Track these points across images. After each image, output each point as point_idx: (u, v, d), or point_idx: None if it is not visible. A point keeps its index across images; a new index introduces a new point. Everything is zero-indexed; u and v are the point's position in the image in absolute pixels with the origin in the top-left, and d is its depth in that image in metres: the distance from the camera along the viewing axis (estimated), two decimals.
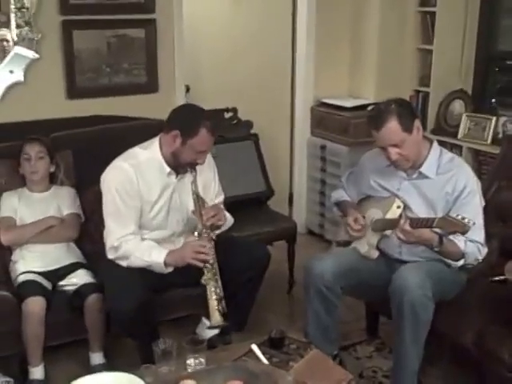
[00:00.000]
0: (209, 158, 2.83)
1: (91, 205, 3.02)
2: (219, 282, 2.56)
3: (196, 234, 2.65)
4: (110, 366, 2.69)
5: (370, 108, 2.63)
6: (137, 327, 2.60)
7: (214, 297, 2.52)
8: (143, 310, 2.50)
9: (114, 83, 3.67)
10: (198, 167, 2.69)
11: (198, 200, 2.66)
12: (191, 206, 2.70)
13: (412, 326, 2.41)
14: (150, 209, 2.70)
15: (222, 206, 2.86)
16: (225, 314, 2.53)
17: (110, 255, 2.66)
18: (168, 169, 2.69)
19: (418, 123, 2.52)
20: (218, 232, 2.72)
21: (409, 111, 2.53)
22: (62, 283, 2.83)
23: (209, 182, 2.86)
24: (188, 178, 2.71)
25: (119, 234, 2.64)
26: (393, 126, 2.45)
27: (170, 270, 2.65)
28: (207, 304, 2.52)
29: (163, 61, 3.79)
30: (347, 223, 2.72)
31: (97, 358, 2.79)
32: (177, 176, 2.72)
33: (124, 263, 2.64)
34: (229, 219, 2.86)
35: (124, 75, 3.70)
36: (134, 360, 2.57)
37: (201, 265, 2.56)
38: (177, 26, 3.81)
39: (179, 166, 2.68)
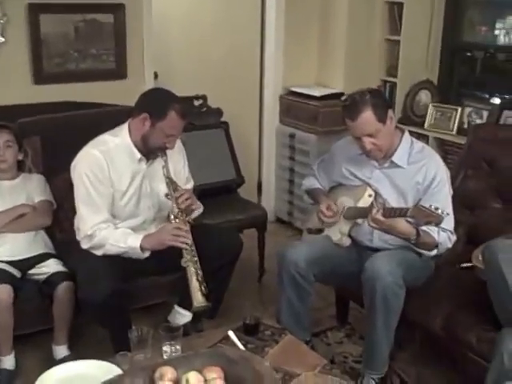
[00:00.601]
0: (178, 144, 2.81)
1: (61, 192, 2.98)
2: (198, 264, 2.56)
3: (172, 216, 2.64)
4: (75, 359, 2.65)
5: (343, 98, 2.64)
6: (108, 316, 2.58)
7: (195, 277, 2.52)
8: (114, 298, 2.48)
9: (82, 69, 3.62)
10: (168, 152, 2.67)
11: (171, 183, 2.65)
12: (162, 191, 2.70)
13: (383, 313, 2.45)
14: (121, 196, 2.68)
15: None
16: (207, 294, 2.53)
17: (85, 244, 2.63)
18: (138, 154, 2.66)
19: (391, 113, 2.56)
20: (193, 216, 2.72)
21: (383, 102, 2.57)
22: (31, 272, 2.78)
23: (179, 168, 2.84)
24: (158, 163, 2.70)
25: (92, 221, 2.61)
26: (368, 117, 2.48)
27: (147, 254, 2.64)
28: (188, 286, 2.52)
29: (132, 47, 3.75)
30: (320, 210, 2.74)
31: (61, 350, 2.76)
32: (147, 162, 2.70)
33: (99, 252, 2.62)
34: (199, 206, 2.85)
35: (92, 61, 3.65)
36: (98, 352, 2.52)
37: (182, 246, 2.55)
38: (146, 11, 3.77)
39: (149, 150, 2.66)
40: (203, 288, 2.53)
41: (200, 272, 2.55)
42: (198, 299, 2.51)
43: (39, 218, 2.91)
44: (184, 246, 2.56)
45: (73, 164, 2.66)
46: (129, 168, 2.67)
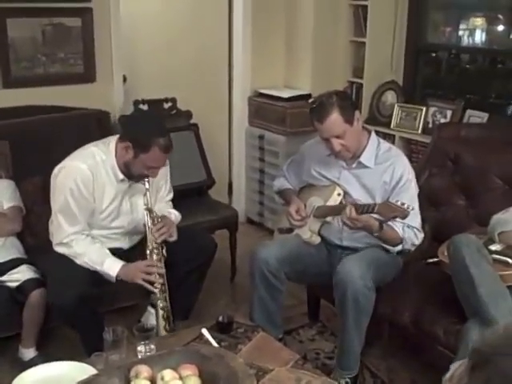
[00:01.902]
0: (165, 171, 2.82)
1: (31, 196, 2.99)
2: (168, 302, 2.63)
3: (148, 252, 2.64)
4: (45, 360, 2.65)
5: (311, 101, 2.69)
6: (79, 319, 2.59)
7: (161, 314, 2.61)
8: (84, 302, 2.50)
9: (50, 73, 3.61)
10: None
11: (150, 213, 2.64)
12: (141, 206, 2.68)
13: (355, 314, 2.51)
14: (101, 212, 2.68)
15: (172, 217, 2.85)
16: (170, 329, 2.63)
17: (59, 250, 2.64)
18: (121, 176, 2.64)
19: (357, 114, 2.61)
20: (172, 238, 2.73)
21: (349, 103, 2.62)
22: (3, 278, 2.76)
23: (162, 179, 2.85)
24: (140, 184, 2.68)
25: (68, 231, 2.62)
26: (335, 118, 2.53)
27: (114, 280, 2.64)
28: (156, 320, 2.62)
29: (100, 50, 3.75)
30: (289, 213, 2.77)
31: (30, 353, 2.75)
32: (129, 181, 2.69)
33: (75, 260, 2.63)
34: (177, 216, 2.89)
35: (60, 65, 3.64)
36: (66, 354, 2.52)
37: (149, 287, 2.58)
38: (114, 14, 3.77)
39: (131, 177, 2.65)
40: (167, 327, 2.61)
41: (168, 311, 2.62)
42: (161, 334, 2.58)
43: (8, 224, 2.89)
44: (150, 288, 2.59)
45: (55, 172, 2.62)
46: (112, 186, 2.65)
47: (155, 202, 2.77)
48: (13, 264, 2.79)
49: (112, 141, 2.66)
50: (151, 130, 2.55)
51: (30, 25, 3.51)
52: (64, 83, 3.63)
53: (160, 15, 4.63)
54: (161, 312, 2.62)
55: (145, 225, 2.65)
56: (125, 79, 4.09)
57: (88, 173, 2.57)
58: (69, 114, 3.45)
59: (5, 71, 3.46)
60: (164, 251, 2.67)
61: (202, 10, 4.54)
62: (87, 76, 3.71)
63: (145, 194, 2.62)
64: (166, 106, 3.92)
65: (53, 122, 3.32)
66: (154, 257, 2.63)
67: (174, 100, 3.93)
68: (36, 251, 2.87)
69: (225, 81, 4.60)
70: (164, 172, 2.80)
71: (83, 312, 2.54)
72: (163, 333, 2.59)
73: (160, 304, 2.62)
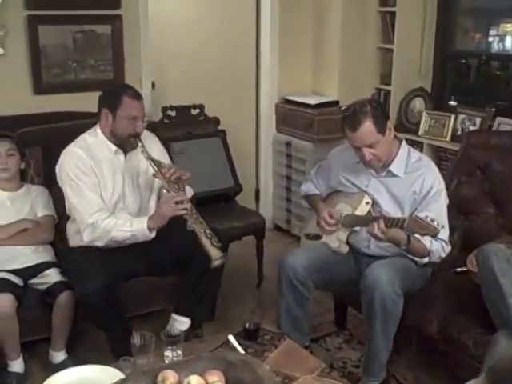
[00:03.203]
0: (154, 139, 2.97)
1: (61, 201, 3.00)
2: (204, 223, 2.66)
3: (165, 191, 2.74)
4: (74, 363, 2.68)
5: (343, 108, 2.65)
6: (105, 315, 2.64)
7: (204, 236, 2.62)
8: (108, 293, 2.56)
9: (80, 79, 3.67)
10: (146, 144, 2.76)
11: (155, 163, 2.74)
12: (142, 182, 2.85)
13: (382, 320, 2.48)
14: (105, 187, 2.77)
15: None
16: (220, 246, 2.64)
17: (87, 237, 2.70)
18: (114, 147, 2.79)
19: (390, 124, 2.59)
20: (191, 192, 2.84)
21: (382, 113, 2.60)
22: (33, 281, 2.81)
23: (159, 157, 2.88)
24: (135, 156, 2.82)
25: (89, 210, 2.69)
26: (368, 128, 2.51)
27: (154, 234, 2.72)
28: (201, 245, 2.62)
29: (129, 57, 3.80)
30: (323, 217, 2.74)
31: (60, 356, 2.79)
32: (125, 156, 2.82)
33: (101, 243, 2.70)
34: (189, 190, 2.93)
35: (90, 71, 3.70)
36: (95, 358, 2.54)
37: (182, 213, 2.63)
38: (143, 21, 3.83)
39: (122, 141, 2.78)
40: (214, 242, 2.63)
41: (207, 230, 2.64)
42: (214, 253, 2.61)
43: (41, 234, 2.94)
44: (184, 212, 2.64)
45: (57, 168, 2.79)
46: (108, 159, 2.79)
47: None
48: (43, 267, 2.85)
49: (96, 126, 2.84)
50: (116, 89, 2.84)
51: (62, 32, 3.57)
52: (94, 89, 3.63)
53: (188, 23, 4.67)
54: (201, 232, 2.63)
55: (155, 175, 2.72)
56: (153, 85, 4.13)
57: (80, 152, 2.75)
58: None
59: (36, 78, 3.53)
60: (181, 185, 2.74)
61: (230, 17, 4.56)
62: (117, 82, 3.74)
63: (142, 150, 2.73)
64: (194, 112, 3.95)
65: (83, 127, 3.33)
66: (173, 192, 2.69)
67: (201, 106, 3.95)
68: (64, 256, 2.90)
69: (252, 87, 4.61)
70: (158, 143, 2.97)
71: (106, 304, 2.58)
72: (214, 251, 2.60)
73: (197, 228, 2.63)
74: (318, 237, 2.84)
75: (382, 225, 2.41)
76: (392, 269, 2.52)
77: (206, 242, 2.62)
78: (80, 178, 2.72)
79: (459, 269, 2.76)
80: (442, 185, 2.65)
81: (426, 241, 2.53)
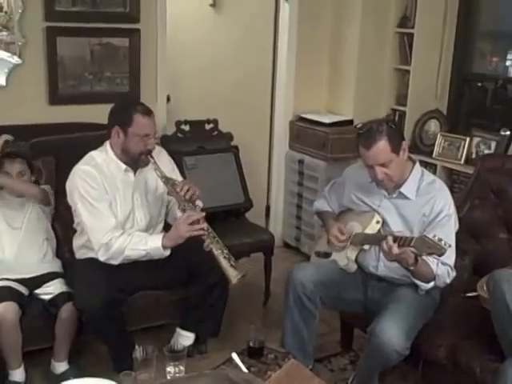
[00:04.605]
0: (164, 153, 2.97)
1: (69, 215, 3.01)
2: (220, 242, 2.65)
3: (180, 210, 2.73)
4: (77, 374, 2.67)
5: (359, 126, 2.64)
6: (108, 328, 2.64)
7: (221, 256, 2.61)
8: (111, 307, 2.57)
9: (96, 91, 3.69)
10: (157, 160, 2.77)
11: (168, 181, 2.74)
12: (152, 199, 2.85)
13: (382, 366, 2.53)
14: (116, 204, 2.77)
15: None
16: (238, 265, 2.63)
17: (102, 256, 2.69)
18: (124, 166, 2.79)
19: (404, 145, 2.58)
20: (201, 204, 2.80)
21: (398, 133, 2.59)
22: (38, 291, 2.82)
23: (169, 171, 2.90)
24: (144, 173, 2.83)
25: (103, 229, 2.67)
26: (383, 147, 2.49)
27: (168, 253, 2.71)
28: (219, 265, 2.61)
29: (146, 70, 3.82)
30: (333, 234, 2.72)
31: (62, 366, 2.79)
32: (135, 173, 2.82)
33: (116, 261, 2.69)
34: (200, 204, 2.90)
35: (107, 83, 3.72)
36: (97, 370, 2.54)
37: (200, 233, 2.63)
38: (160, 36, 3.85)
39: (134, 159, 2.77)
40: (232, 262, 2.61)
41: (225, 249, 2.63)
42: (233, 274, 2.60)
43: (38, 192, 2.94)
44: (201, 232, 2.63)
45: (67, 185, 2.77)
46: (118, 178, 2.79)
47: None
48: (48, 278, 2.85)
49: (105, 143, 2.83)
50: (126, 106, 2.79)
51: (80, 44, 3.60)
52: (109, 102, 3.67)
53: (204, 39, 4.71)
54: (219, 252, 2.61)
55: (169, 193, 2.74)
56: (168, 99, 4.15)
57: (91, 169, 2.73)
58: None
59: (52, 88, 3.55)
60: (197, 202, 2.74)
61: (248, 35, 4.59)
62: (132, 95, 3.76)
63: (155, 168, 2.74)
64: (208, 127, 3.96)
65: (97, 139, 3.35)
66: (189, 211, 2.68)
67: (215, 121, 3.96)
68: (71, 267, 2.90)
69: (267, 104, 4.62)
70: (168, 160, 2.98)
71: (109, 318, 2.58)
72: (232, 271, 2.59)
73: (215, 249, 2.62)
74: (327, 255, 2.82)
75: (391, 242, 2.38)
76: (401, 320, 2.44)
77: (224, 262, 2.60)
78: (91, 195, 2.70)
79: (469, 294, 2.72)
80: (452, 210, 2.60)
81: (433, 264, 2.50)
